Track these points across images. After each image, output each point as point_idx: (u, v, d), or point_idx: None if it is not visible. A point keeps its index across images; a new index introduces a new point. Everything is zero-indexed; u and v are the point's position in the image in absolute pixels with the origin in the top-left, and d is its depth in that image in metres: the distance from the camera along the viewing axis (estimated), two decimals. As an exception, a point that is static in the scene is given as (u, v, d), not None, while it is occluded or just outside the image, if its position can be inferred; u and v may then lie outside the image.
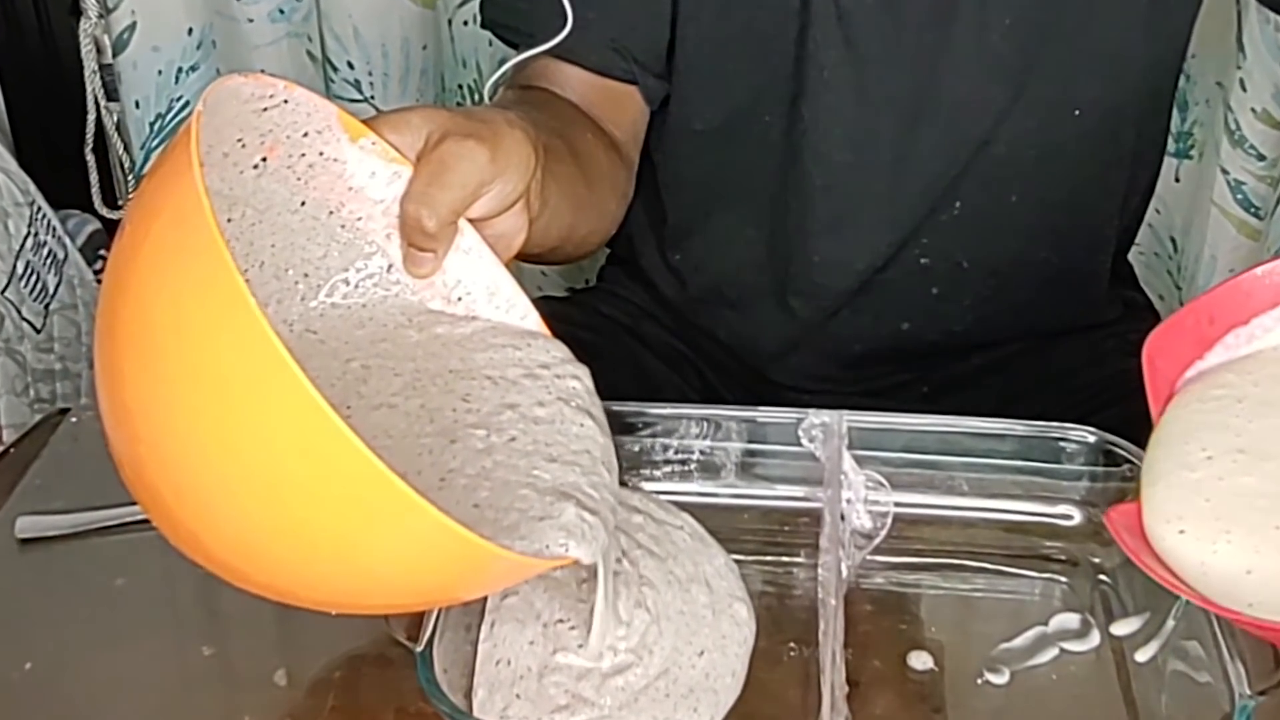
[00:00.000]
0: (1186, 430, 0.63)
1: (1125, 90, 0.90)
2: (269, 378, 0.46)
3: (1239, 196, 1.17)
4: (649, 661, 0.62)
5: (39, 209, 1.35)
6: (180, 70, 1.31)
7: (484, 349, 0.65)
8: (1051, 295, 0.98)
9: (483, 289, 0.68)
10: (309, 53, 1.34)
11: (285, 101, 0.61)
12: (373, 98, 1.35)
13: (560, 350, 0.66)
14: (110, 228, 1.47)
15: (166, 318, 0.48)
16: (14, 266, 1.29)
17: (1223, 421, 0.63)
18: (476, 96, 1.39)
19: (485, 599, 0.64)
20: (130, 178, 1.35)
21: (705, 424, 0.75)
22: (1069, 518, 0.74)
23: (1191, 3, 0.90)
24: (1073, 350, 1.00)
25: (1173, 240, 1.29)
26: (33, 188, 1.35)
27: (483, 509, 0.58)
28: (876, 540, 0.71)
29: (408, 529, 0.49)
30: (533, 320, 0.68)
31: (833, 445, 0.72)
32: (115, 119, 1.33)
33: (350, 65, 1.33)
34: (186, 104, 1.32)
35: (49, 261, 1.36)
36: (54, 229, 1.38)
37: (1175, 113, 1.18)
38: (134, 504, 0.57)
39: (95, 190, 1.35)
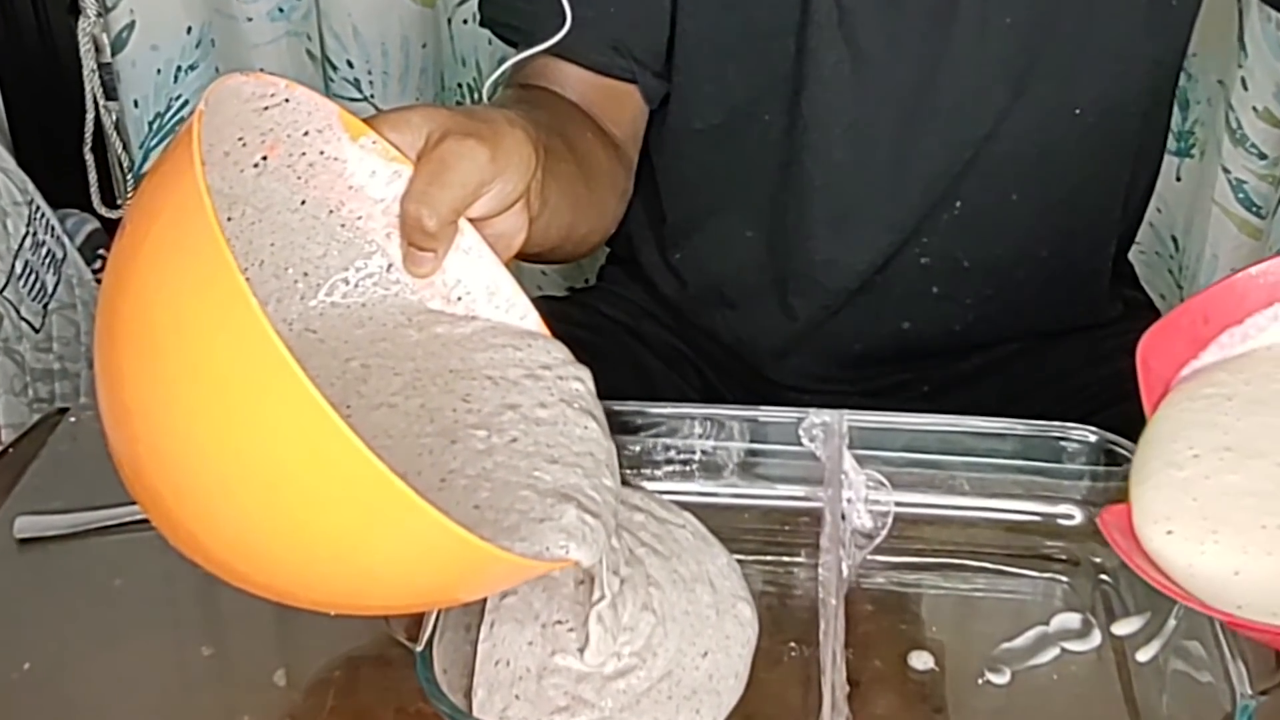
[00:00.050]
0: (1174, 429, 0.63)
1: (1126, 89, 0.90)
2: (269, 377, 0.46)
3: (1240, 195, 1.17)
4: (652, 664, 0.62)
5: (37, 208, 1.35)
6: (179, 69, 1.31)
7: (484, 349, 0.65)
8: (1052, 294, 0.98)
9: (482, 288, 0.68)
10: (308, 51, 1.34)
11: (286, 100, 0.61)
12: (372, 96, 1.35)
13: (561, 351, 0.66)
14: (109, 227, 1.47)
15: (167, 317, 0.48)
16: (12, 266, 1.29)
17: (1211, 420, 0.63)
18: (476, 95, 1.39)
19: (485, 599, 0.64)
20: (129, 177, 1.35)
21: (705, 424, 0.75)
22: (1070, 517, 0.73)
23: (1192, 1, 0.90)
24: (1073, 350, 1.00)
25: (1174, 239, 1.29)
26: (31, 187, 1.35)
27: (483, 510, 0.57)
28: (877, 540, 0.71)
29: (407, 530, 0.49)
30: (532, 320, 0.68)
31: (833, 445, 0.72)
32: (114, 118, 1.32)
33: (350, 64, 1.33)
34: (186, 103, 1.32)
35: (48, 261, 1.36)
36: (53, 228, 1.38)
37: (1176, 111, 1.19)
38: (133, 504, 0.57)
39: (94, 189, 1.35)
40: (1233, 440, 0.62)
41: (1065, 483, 0.73)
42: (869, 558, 0.71)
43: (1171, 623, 0.65)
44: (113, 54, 1.28)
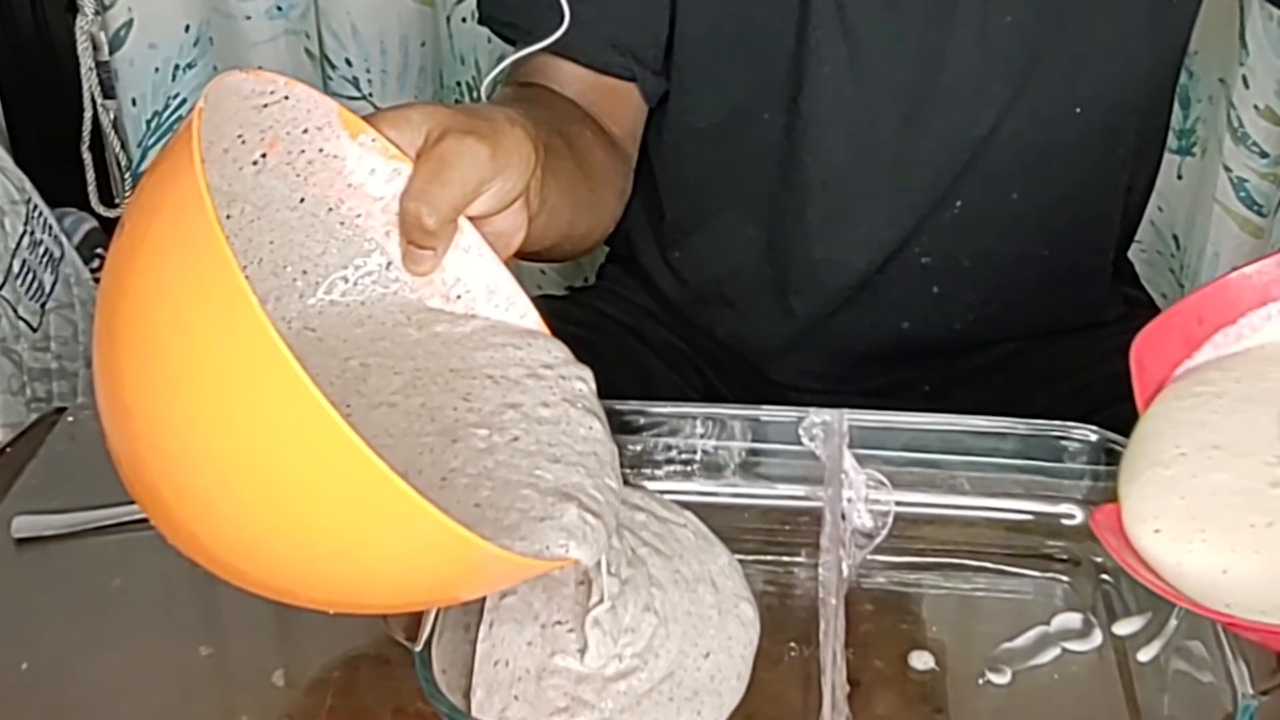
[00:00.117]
0: (1162, 427, 0.63)
1: (1127, 87, 0.90)
2: (270, 376, 0.46)
3: (1242, 194, 1.17)
4: (654, 665, 0.62)
5: (35, 207, 1.35)
6: (177, 67, 1.30)
7: (484, 348, 0.65)
8: (1053, 293, 0.97)
9: (482, 287, 0.67)
10: (307, 50, 1.34)
11: (285, 98, 0.60)
12: (371, 95, 1.34)
13: (561, 350, 0.66)
14: (107, 226, 1.47)
15: (167, 315, 0.48)
16: (10, 265, 1.28)
17: (1200, 418, 0.63)
18: (475, 94, 1.38)
19: (484, 598, 0.64)
20: (127, 176, 1.35)
21: (705, 423, 0.75)
22: (1071, 517, 0.73)
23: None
24: (1074, 348, 0.99)
25: (1175, 238, 1.29)
26: (29, 186, 1.35)
27: (483, 509, 0.57)
28: (878, 539, 0.71)
29: (408, 528, 0.49)
30: (532, 319, 0.68)
31: (833, 444, 0.72)
32: (112, 116, 1.32)
33: (348, 62, 1.33)
34: (184, 101, 1.32)
35: (45, 260, 1.36)
36: (50, 227, 1.37)
37: (1177, 109, 1.18)
38: (131, 503, 0.57)
39: (92, 188, 1.34)
40: (1221, 438, 0.62)
41: (1066, 482, 0.73)
42: (869, 557, 0.71)
43: (1173, 622, 0.65)
44: (110, 52, 1.28)
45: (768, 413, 0.75)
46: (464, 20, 1.34)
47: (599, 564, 0.59)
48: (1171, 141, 1.19)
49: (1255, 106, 1.13)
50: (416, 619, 0.60)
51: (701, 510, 0.71)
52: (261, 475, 0.48)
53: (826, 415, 0.73)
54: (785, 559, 0.73)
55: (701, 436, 0.75)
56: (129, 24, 1.26)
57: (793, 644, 0.66)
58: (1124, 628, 0.67)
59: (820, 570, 0.67)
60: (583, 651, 0.61)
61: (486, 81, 0.94)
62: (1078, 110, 0.89)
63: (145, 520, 0.54)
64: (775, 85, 0.90)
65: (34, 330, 1.31)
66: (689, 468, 0.75)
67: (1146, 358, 0.66)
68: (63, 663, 0.67)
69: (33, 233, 1.33)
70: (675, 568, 0.66)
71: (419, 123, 0.64)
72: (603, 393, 0.65)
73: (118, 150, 1.33)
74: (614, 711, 0.60)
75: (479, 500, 0.58)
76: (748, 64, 0.91)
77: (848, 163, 0.90)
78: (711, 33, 0.90)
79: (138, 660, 0.68)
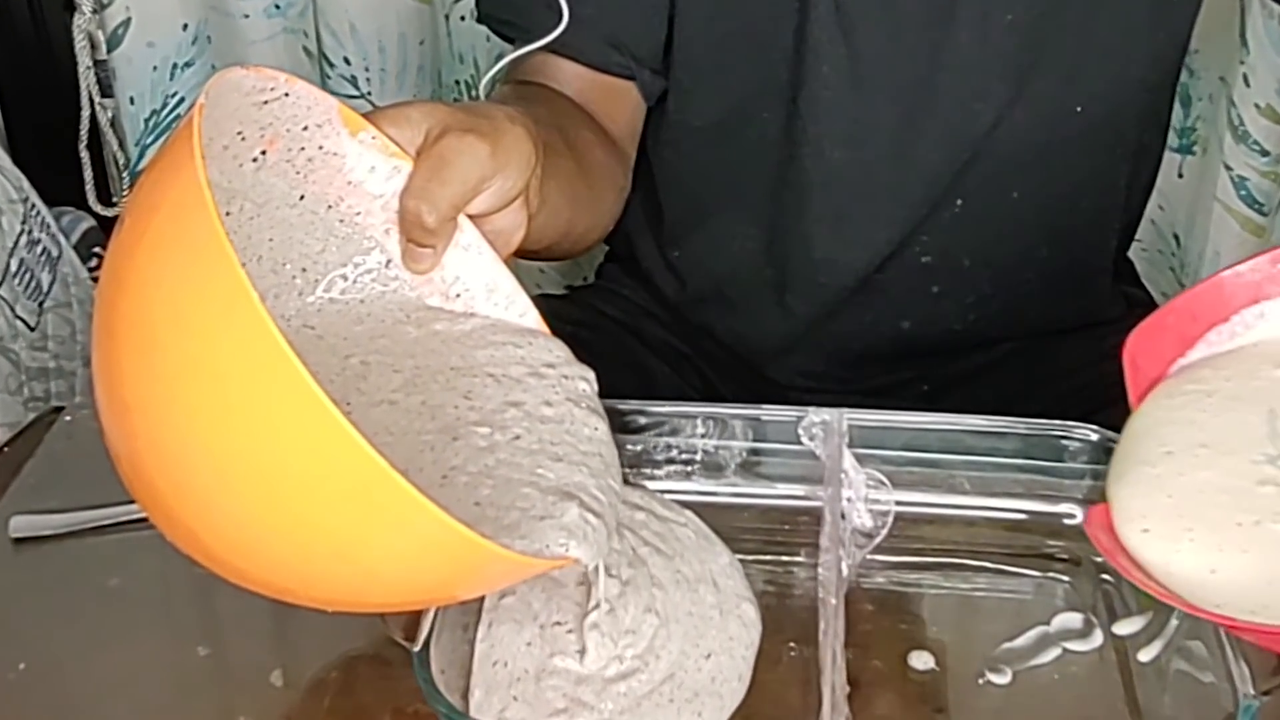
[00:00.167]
0: (1150, 426, 0.63)
1: (1127, 86, 0.90)
2: (270, 373, 0.45)
3: (1243, 192, 1.17)
4: (655, 666, 0.61)
5: (33, 206, 1.35)
6: (175, 66, 1.30)
7: (484, 346, 0.65)
8: (1053, 293, 0.97)
9: (481, 286, 0.67)
10: (305, 48, 1.34)
11: (286, 95, 0.60)
12: (369, 94, 1.34)
13: (562, 350, 0.66)
14: (105, 225, 1.46)
15: (166, 312, 0.48)
16: (7, 264, 1.28)
17: (1189, 417, 0.63)
18: (474, 92, 1.38)
19: (483, 599, 0.64)
20: (125, 174, 1.35)
21: (705, 422, 0.75)
22: (1071, 516, 0.73)
23: (1193, -2, 0.90)
24: (1075, 348, 0.99)
25: (1176, 237, 1.29)
26: (27, 185, 1.35)
27: (484, 507, 0.57)
28: (877, 539, 0.71)
29: (407, 526, 0.48)
30: (532, 318, 0.68)
31: (833, 443, 0.71)
32: (110, 115, 1.32)
33: (347, 61, 1.32)
34: (182, 100, 1.32)
35: (43, 259, 1.35)
36: (48, 226, 1.37)
37: (1178, 108, 1.18)
38: (128, 503, 0.57)
39: (90, 187, 1.34)
40: (1208, 437, 0.62)
41: (1066, 482, 0.73)
42: (869, 557, 0.71)
43: (1173, 622, 0.65)
44: (108, 51, 1.28)
45: (768, 412, 0.75)
46: (462, 19, 1.33)
47: (598, 566, 0.59)
48: (1172, 140, 1.18)
49: (1256, 105, 1.13)
50: (415, 619, 0.60)
51: (701, 510, 0.71)
52: (261, 472, 0.48)
53: (826, 415, 0.73)
54: (785, 559, 0.72)
55: (701, 436, 0.75)
56: (127, 22, 1.26)
57: (792, 644, 0.66)
58: (1124, 628, 0.67)
59: (820, 570, 0.67)
60: (582, 653, 0.61)
61: (484, 80, 0.94)
62: (1078, 109, 0.89)
63: (144, 520, 0.54)
64: (774, 84, 0.90)
65: (32, 329, 1.31)
66: (689, 467, 0.75)
67: (1140, 356, 0.66)
68: (60, 663, 0.67)
69: (30, 232, 1.33)
70: (676, 567, 0.65)
71: (419, 120, 0.64)
72: (602, 392, 0.65)
73: (116, 149, 1.33)
74: (613, 713, 0.60)
75: (479, 499, 0.57)
76: (747, 63, 0.90)
77: (847, 162, 0.90)
78: (710, 32, 0.90)
79: (136, 660, 0.68)
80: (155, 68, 1.29)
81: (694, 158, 0.96)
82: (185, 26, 1.29)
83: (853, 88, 0.88)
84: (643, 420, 0.75)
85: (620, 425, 0.73)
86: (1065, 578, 0.71)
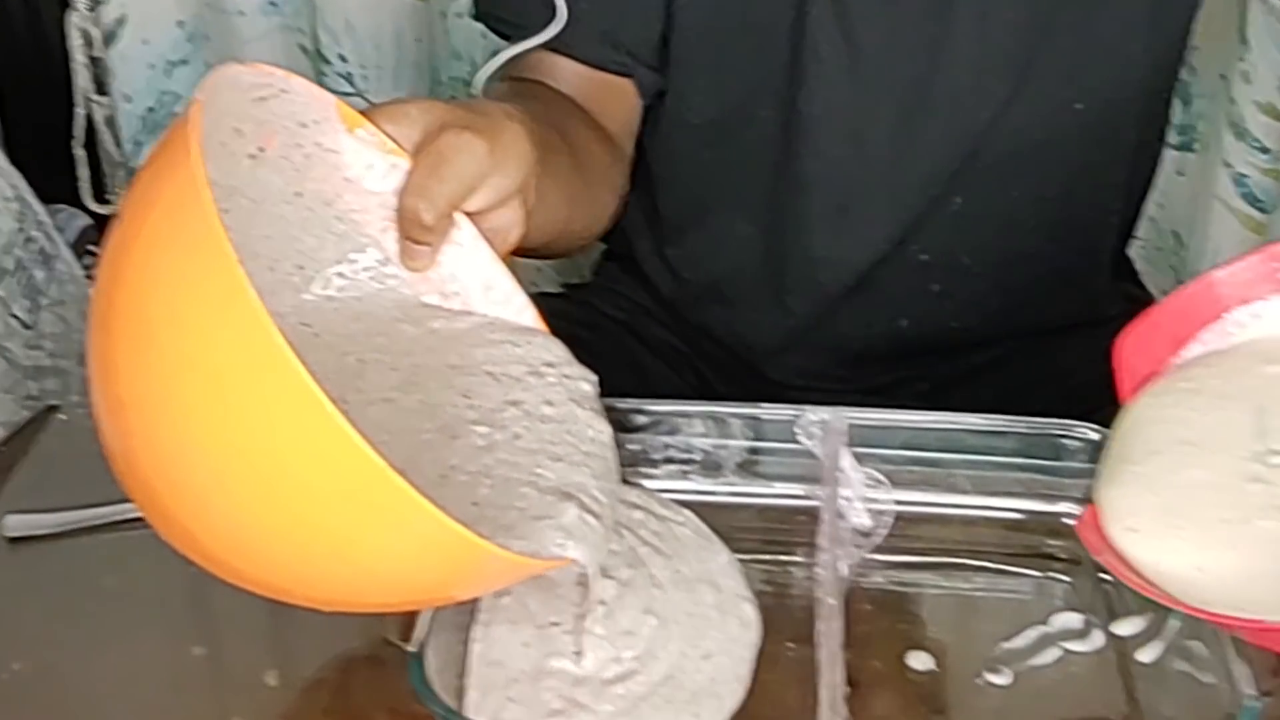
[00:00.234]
0: (1136, 425, 0.63)
1: (1126, 83, 0.90)
2: (268, 371, 0.45)
3: (1243, 190, 1.17)
4: (653, 667, 0.61)
5: (28, 204, 1.34)
6: (171, 64, 1.30)
7: (482, 344, 0.65)
8: (1052, 291, 0.97)
9: (478, 283, 0.67)
10: (301, 46, 1.34)
11: (284, 91, 0.60)
12: (366, 91, 1.34)
13: (561, 349, 0.66)
14: (100, 223, 1.46)
15: (163, 309, 0.48)
16: (2, 262, 1.28)
17: (1178, 415, 0.63)
18: (471, 90, 1.38)
19: (478, 599, 0.64)
20: (120, 172, 1.35)
21: (704, 421, 0.75)
22: (1071, 516, 0.73)
23: (1193, -5, 0.90)
24: (1074, 347, 0.99)
25: (1175, 235, 1.29)
26: (21, 183, 1.34)
27: (482, 507, 0.57)
28: (876, 539, 0.71)
29: (405, 526, 0.48)
30: (529, 316, 0.68)
31: (832, 443, 0.71)
32: (105, 113, 1.32)
33: (343, 58, 1.32)
34: (177, 98, 1.32)
35: (39, 257, 1.35)
36: (43, 224, 1.37)
37: (1178, 105, 1.18)
38: (124, 502, 0.57)
39: (85, 185, 1.34)
40: (1194, 435, 0.62)
41: (1066, 481, 0.73)
42: (868, 557, 0.71)
43: (1173, 623, 0.65)
44: (104, 48, 1.27)
45: (766, 411, 0.74)
46: (459, 16, 1.33)
47: (596, 567, 0.59)
48: (1172, 138, 1.18)
49: (1256, 102, 1.13)
50: (411, 619, 0.60)
51: (699, 509, 0.71)
52: (258, 470, 0.48)
53: (825, 414, 0.72)
54: (783, 558, 0.72)
55: (700, 435, 0.75)
56: (122, 20, 1.26)
57: (790, 644, 0.66)
58: (1124, 628, 0.67)
59: (818, 570, 0.67)
60: (579, 654, 0.61)
61: (479, 76, 0.93)
62: (1077, 107, 0.89)
63: (138, 519, 0.54)
64: (773, 82, 0.90)
65: (27, 328, 1.30)
66: (687, 466, 0.75)
67: (1133, 356, 0.66)
68: (55, 662, 0.67)
69: (25, 230, 1.32)
70: (675, 567, 0.65)
71: (417, 117, 0.64)
72: (600, 392, 0.65)
73: (111, 147, 1.33)
74: (611, 715, 0.60)
75: (477, 498, 0.57)
76: (745, 61, 0.90)
77: (845, 160, 0.90)
78: (708, 29, 0.90)
79: (130, 660, 0.67)
80: (151, 65, 1.29)
81: (692, 156, 0.96)
82: (181, 24, 1.29)
83: (851, 85, 0.88)
84: (640, 419, 0.75)
85: (618, 424, 0.72)
86: (1065, 578, 0.71)
